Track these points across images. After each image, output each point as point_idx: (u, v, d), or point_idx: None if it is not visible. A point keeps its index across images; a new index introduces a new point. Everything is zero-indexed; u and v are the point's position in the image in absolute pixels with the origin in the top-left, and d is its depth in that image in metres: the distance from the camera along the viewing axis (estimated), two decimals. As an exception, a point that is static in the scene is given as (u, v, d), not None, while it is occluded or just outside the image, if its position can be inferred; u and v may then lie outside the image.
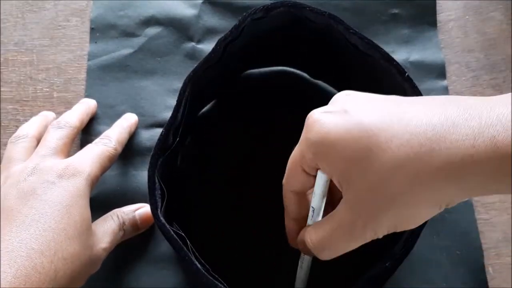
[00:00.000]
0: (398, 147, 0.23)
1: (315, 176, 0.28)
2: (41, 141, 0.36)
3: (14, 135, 0.37)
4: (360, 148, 0.24)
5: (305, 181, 0.28)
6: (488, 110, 0.22)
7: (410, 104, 0.25)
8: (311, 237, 0.28)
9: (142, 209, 0.37)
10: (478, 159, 0.22)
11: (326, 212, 0.28)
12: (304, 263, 0.33)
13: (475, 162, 0.22)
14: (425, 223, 0.30)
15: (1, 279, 0.27)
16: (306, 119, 0.26)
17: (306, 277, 0.33)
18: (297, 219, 0.31)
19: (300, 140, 0.27)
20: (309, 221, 0.30)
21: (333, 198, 0.30)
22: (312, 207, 0.29)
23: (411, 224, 0.25)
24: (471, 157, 0.22)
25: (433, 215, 0.25)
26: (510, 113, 0.21)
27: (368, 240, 0.26)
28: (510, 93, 0.23)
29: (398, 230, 0.25)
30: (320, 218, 0.29)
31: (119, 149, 0.37)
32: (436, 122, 0.23)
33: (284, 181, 0.30)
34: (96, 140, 0.37)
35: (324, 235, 0.27)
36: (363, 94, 0.27)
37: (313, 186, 0.28)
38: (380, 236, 0.26)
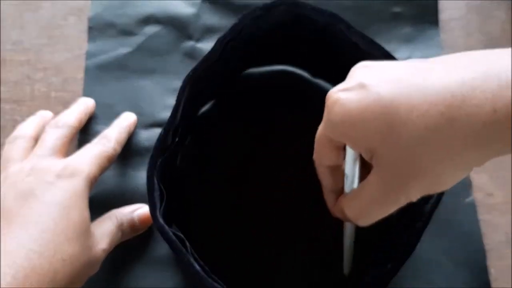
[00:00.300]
0: (419, 118, 0.23)
1: (343, 149, 0.29)
2: (39, 141, 0.36)
3: (12, 135, 0.37)
4: (382, 124, 0.24)
5: (334, 155, 0.29)
6: (506, 67, 0.21)
7: (427, 69, 0.24)
8: (348, 206, 0.29)
9: (141, 210, 0.37)
10: (500, 124, 0.21)
11: (363, 177, 0.28)
12: (347, 231, 0.33)
13: (497, 127, 0.21)
14: (426, 224, 0.30)
15: (0, 280, 0.27)
16: (326, 99, 0.26)
17: (352, 244, 0.34)
18: (334, 190, 0.31)
19: (323, 120, 0.27)
20: (346, 189, 0.30)
21: (366, 162, 0.30)
22: (346, 174, 0.30)
23: (442, 187, 0.25)
24: (493, 123, 0.21)
25: (463, 176, 0.25)
26: None
27: (402, 205, 0.26)
28: None
29: (430, 193, 0.25)
30: (355, 185, 0.30)
31: (118, 149, 0.37)
32: (454, 87, 0.22)
33: (314, 156, 0.30)
34: (95, 140, 0.37)
35: (359, 205, 0.28)
36: (379, 64, 0.26)
37: (343, 158, 0.29)
38: (414, 200, 0.26)
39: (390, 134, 0.24)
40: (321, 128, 0.28)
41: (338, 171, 0.31)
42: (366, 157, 0.26)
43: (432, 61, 0.25)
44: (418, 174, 0.24)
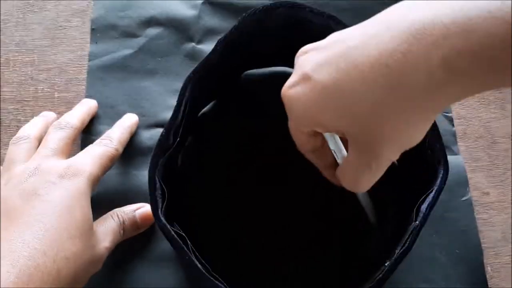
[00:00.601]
0: (364, 88, 0.24)
1: (319, 133, 0.30)
2: (42, 142, 0.36)
3: (16, 136, 0.37)
4: (335, 107, 0.25)
5: (313, 140, 0.30)
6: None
7: (350, 38, 0.25)
8: (342, 178, 0.30)
9: (142, 209, 0.37)
10: (449, 70, 0.22)
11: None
12: (359, 194, 0.35)
13: (444, 74, 0.22)
14: (423, 224, 0.30)
15: (4, 278, 0.27)
16: (282, 97, 0.28)
17: (369, 203, 0.36)
18: (329, 167, 0.33)
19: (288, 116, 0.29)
20: (339, 161, 0.31)
21: None
22: (333, 150, 0.31)
23: (412, 143, 0.26)
24: (439, 71, 0.22)
25: (428, 126, 0.26)
26: None
27: (386, 166, 0.27)
28: None
29: (406, 148, 0.26)
30: (345, 152, 0.31)
31: (120, 149, 0.37)
32: (385, 56, 0.23)
33: (297, 147, 0.32)
34: (97, 141, 0.37)
35: (349, 176, 0.29)
36: (312, 46, 0.28)
37: (322, 138, 0.31)
38: (394, 159, 0.27)
39: (345, 114, 0.25)
40: (289, 122, 0.30)
41: (324, 150, 0.32)
42: (339, 135, 0.28)
43: (350, 30, 0.27)
44: (383, 139, 0.25)
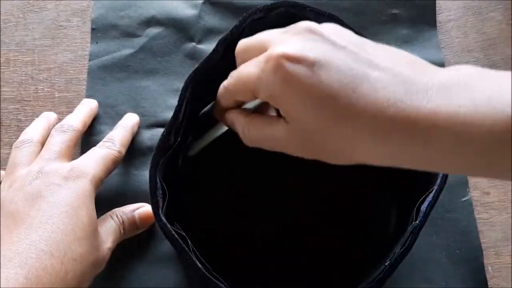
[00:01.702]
0: (343, 112, 0.24)
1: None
2: (45, 145, 0.36)
3: (18, 140, 0.37)
4: (315, 103, 0.25)
5: (249, 97, 0.29)
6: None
7: (372, 69, 0.24)
8: (243, 125, 0.30)
9: (142, 209, 0.37)
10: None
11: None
12: (216, 130, 0.35)
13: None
14: (423, 223, 0.30)
15: (13, 280, 0.27)
16: (269, 55, 0.26)
17: (207, 142, 0.36)
18: (225, 108, 0.32)
19: (255, 68, 0.27)
20: (247, 106, 0.31)
21: None
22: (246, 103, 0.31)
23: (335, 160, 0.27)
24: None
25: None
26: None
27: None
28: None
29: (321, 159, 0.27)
30: (255, 103, 0.31)
31: (123, 151, 0.37)
32: (384, 104, 0.23)
33: (225, 87, 0.31)
34: (100, 143, 0.37)
35: (257, 133, 0.29)
36: (326, 33, 0.26)
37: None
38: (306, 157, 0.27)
39: (315, 110, 0.25)
40: (250, 73, 0.27)
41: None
42: (282, 113, 0.27)
43: (372, 57, 0.25)
44: (323, 149, 0.26)
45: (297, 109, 0.26)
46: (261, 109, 0.32)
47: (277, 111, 0.27)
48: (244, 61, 0.29)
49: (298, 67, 0.25)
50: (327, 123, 0.25)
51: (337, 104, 0.24)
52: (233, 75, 0.29)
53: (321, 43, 0.25)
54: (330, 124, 0.25)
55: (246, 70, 0.28)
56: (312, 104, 0.25)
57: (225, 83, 0.31)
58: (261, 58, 0.26)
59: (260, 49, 0.27)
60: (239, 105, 0.31)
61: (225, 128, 0.34)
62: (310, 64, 0.25)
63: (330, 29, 0.26)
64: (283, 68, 0.25)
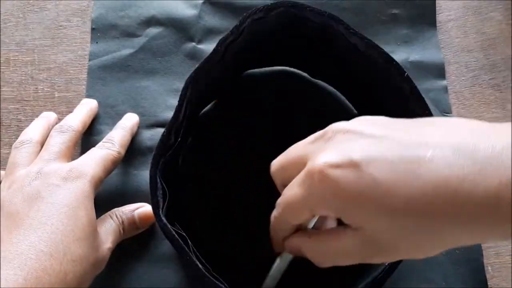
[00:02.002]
0: (412, 206, 0.22)
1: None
2: (45, 145, 0.36)
3: (18, 140, 0.37)
4: (375, 207, 0.23)
5: (306, 217, 0.27)
6: (506, 161, 0.20)
7: (424, 149, 0.23)
8: (310, 247, 0.28)
9: (141, 209, 0.37)
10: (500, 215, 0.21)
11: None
12: (282, 262, 0.32)
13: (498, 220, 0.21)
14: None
15: (12, 281, 0.27)
16: (311, 170, 0.25)
17: (280, 275, 0.33)
18: (284, 236, 0.30)
19: (300, 188, 0.25)
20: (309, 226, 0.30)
21: None
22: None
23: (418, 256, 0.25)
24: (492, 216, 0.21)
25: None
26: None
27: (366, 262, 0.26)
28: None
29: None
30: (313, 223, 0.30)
31: (123, 152, 0.37)
32: (455, 183, 0.21)
33: (277, 216, 0.29)
34: (99, 144, 0.37)
35: (326, 250, 0.27)
36: (360, 130, 0.25)
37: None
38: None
39: (380, 215, 0.23)
40: (298, 195, 0.26)
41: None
42: (345, 221, 0.25)
43: (423, 133, 0.24)
44: (392, 252, 0.24)
45: (358, 215, 0.24)
46: (319, 222, 0.30)
47: (339, 220, 0.26)
48: (284, 181, 0.28)
49: (345, 171, 0.23)
50: (396, 224, 0.23)
51: (399, 199, 0.22)
52: (280, 203, 0.28)
53: (359, 140, 0.24)
54: (401, 227, 0.23)
55: (292, 192, 0.26)
56: (374, 206, 0.23)
57: (275, 213, 0.29)
58: (303, 175, 0.25)
59: (297, 166, 0.26)
60: (297, 230, 0.29)
61: (290, 257, 0.32)
62: (356, 165, 0.23)
63: (361, 123, 0.25)
64: (330, 177, 0.23)
